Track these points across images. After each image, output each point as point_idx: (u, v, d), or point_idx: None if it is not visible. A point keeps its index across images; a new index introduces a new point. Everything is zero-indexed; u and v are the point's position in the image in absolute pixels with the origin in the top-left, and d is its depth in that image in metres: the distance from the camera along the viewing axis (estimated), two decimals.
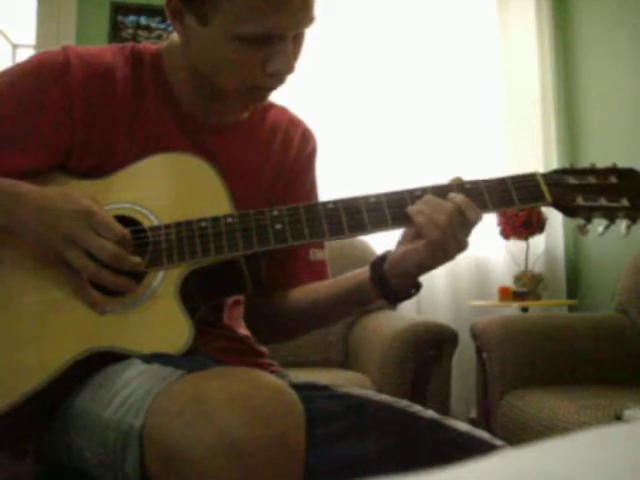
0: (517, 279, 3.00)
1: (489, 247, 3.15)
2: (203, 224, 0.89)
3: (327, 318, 1.09)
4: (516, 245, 3.05)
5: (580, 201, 0.91)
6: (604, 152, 3.04)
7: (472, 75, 3.24)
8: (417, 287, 0.95)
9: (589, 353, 2.15)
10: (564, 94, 3.35)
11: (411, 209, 0.88)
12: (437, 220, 0.86)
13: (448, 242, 0.86)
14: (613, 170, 0.94)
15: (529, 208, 2.85)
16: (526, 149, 3.22)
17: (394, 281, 0.92)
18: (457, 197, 0.88)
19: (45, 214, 0.85)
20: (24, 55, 3.18)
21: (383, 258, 0.94)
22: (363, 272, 0.96)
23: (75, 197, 0.87)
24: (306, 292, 1.07)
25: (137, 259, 0.86)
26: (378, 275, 0.93)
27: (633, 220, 0.91)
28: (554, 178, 0.92)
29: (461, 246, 0.88)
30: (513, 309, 2.95)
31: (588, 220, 0.92)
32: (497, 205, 0.91)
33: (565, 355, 2.14)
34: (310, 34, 0.94)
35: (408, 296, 0.95)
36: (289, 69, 0.91)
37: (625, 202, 0.91)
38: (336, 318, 1.10)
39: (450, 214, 0.86)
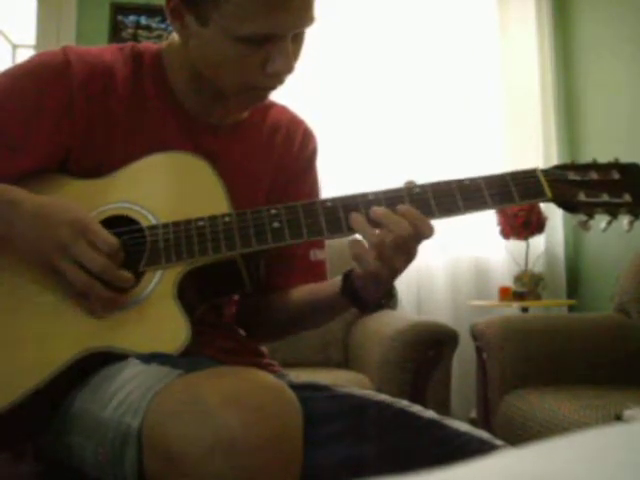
0: (517, 279, 3.00)
1: (489, 247, 3.15)
2: (201, 223, 0.89)
3: (303, 323, 1.09)
4: (516, 245, 3.05)
5: (582, 197, 0.89)
6: (604, 152, 3.01)
7: (472, 75, 3.25)
8: (389, 296, 0.93)
9: (589, 353, 2.14)
10: (564, 94, 3.35)
11: (370, 218, 0.85)
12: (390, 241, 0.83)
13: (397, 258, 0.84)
14: (615, 165, 0.92)
15: (529, 205, 2.85)
16: (526, 149, 3.22)
17: (363, 290, 0.91)
18: (412, 213, 0.85)
19: (40, 223, 0.85)
20: (24, 55, 3.18)
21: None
22: (337, 280, 0.95)
23: (71, 207, 0.87)
24: (283, 295, 1.06)
25: (127, 274, 0.85)
26: (348, 284, 0.92)
27: (636, 216, 0.90)
28: (555, 174, 0.91)
29: (411, 259, 0.86)
30: (513, 309, 2.95)
31: (590, 216, 0.90)
32: (496, 202, 0.89)
33: (565, 355, 2.13)
34: (311, 33, 0.94)
35: (379, 306, 0.94)
36: (289, 69, 0.90)
37: (627, 198, 0.89)
38: (310, 324, 1.10)
39: (407, 234, 0.83)
